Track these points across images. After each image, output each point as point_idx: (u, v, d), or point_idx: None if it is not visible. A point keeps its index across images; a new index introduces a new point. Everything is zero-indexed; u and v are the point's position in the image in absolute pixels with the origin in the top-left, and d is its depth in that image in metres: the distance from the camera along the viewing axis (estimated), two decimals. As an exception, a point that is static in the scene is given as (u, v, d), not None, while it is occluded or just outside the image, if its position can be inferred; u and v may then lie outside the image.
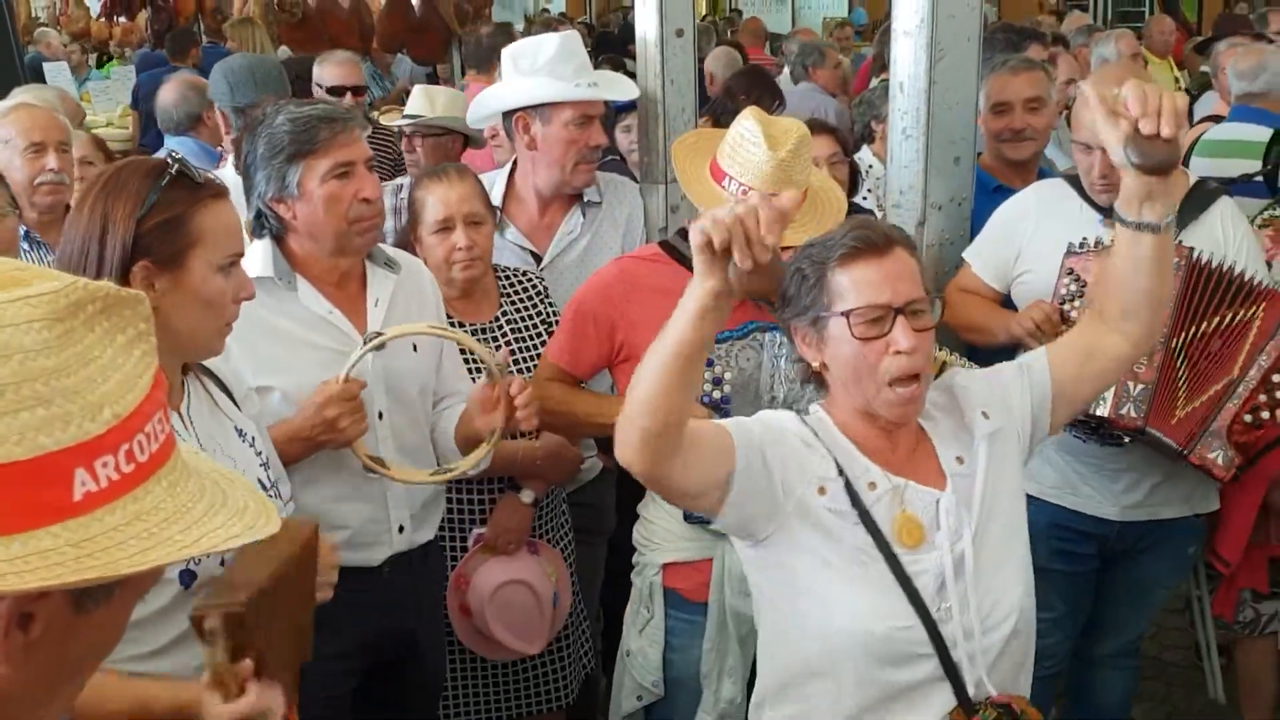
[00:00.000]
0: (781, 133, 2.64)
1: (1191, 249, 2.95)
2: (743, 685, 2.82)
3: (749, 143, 2.62)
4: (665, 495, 2.18)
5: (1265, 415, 2.92)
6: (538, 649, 3.24)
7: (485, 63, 7.09)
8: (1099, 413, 2.90)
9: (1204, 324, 2.94)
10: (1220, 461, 2.94)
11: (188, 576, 2.03)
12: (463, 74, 9.05)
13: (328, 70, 5.17)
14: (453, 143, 4.51)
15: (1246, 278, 2.96)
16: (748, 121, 2.66)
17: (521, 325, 3.28)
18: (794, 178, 2.61)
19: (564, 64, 3.52)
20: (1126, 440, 3.02)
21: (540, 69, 3.53)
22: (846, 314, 2.05)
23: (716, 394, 2.70)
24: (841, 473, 2.09)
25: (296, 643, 2.04)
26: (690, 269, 2.68)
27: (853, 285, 2.06)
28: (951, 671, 2.06)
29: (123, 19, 11.85)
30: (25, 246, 3.45)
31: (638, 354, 2.78)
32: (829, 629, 2.09)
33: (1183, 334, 2.92)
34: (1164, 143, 2.03)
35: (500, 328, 3.24)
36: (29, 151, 3.64)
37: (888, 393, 2.07)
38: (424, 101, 4.61)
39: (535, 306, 3.33)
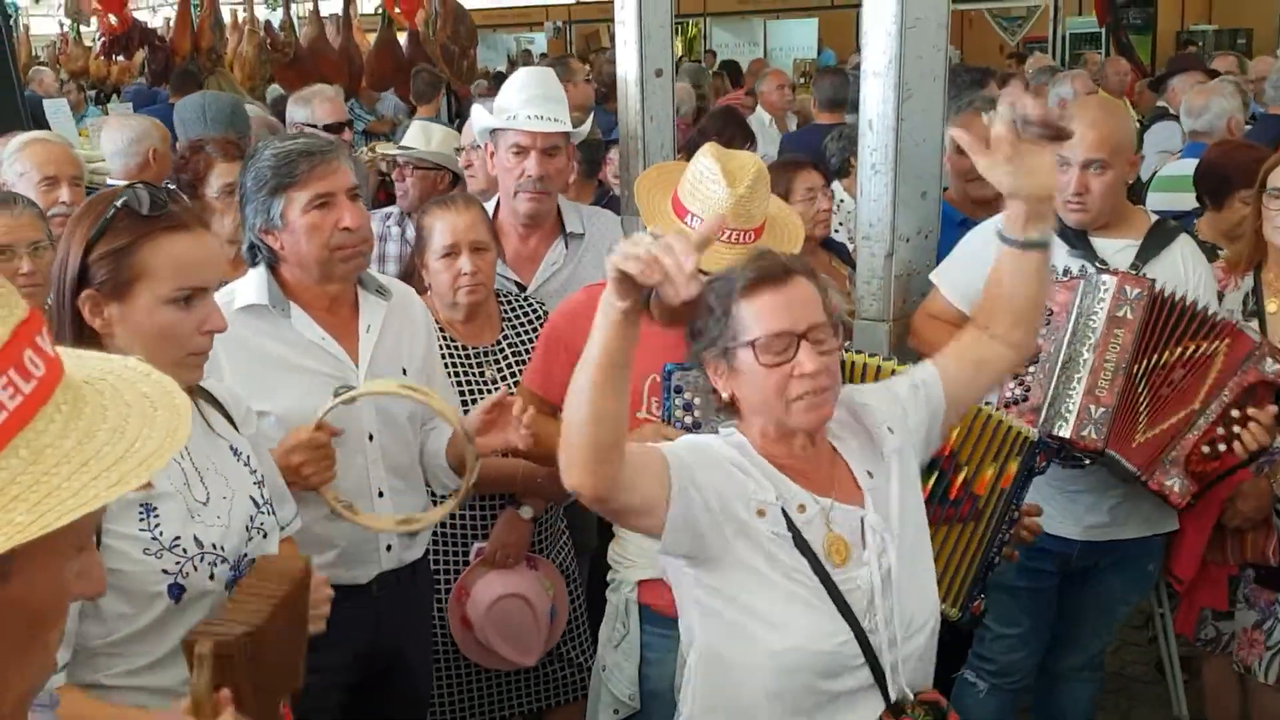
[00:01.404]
0: (739, 169, 2.65)
1: (1153, 280, 2.96)
2: None
3: (708, 180, 2.63)
4: (616, 516, 2.15)
5: (1222, 447, 2.93)
6: (533, 661, 3.24)
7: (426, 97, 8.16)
8: (1062, 434, 2.91)
9: (1165, 353, 2.95)
10: (1177, 489, 2.95)
11: (176, 590, 2.00)
12: (449, 112, 9.10)
13: (321, 109, 5.12)
14: (440, 178, 4.51)
15: (1209, 312, 2.98)
16: (706, 159, 2.67)
17: (522, 348, 3.27)
18: (752, 212, 2.63)
19: (518, 95, 3.53)
20: (1087, 462, 3.02)
21: (507, 100, 3.55)
22: (752, 343, 2.05)
23: (688, 419, 2.69)
24: (779, 497, 2.09)
25: (284, 675, 2.03)
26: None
27: (756, 315, 2.06)
28: (880, 678, 2.08)
29: (120, 58, 11.83)
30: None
31: None
32: (774, 648, 2.07)
33: (1144, 361, 2.93)
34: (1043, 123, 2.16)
35: (501, 350, 3.25)
36: (43, 184, 3.67)
37: (796, 405, 2.06)
38: (420, 136, 4.60)
39: (536, 330, 3.31)
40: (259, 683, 1.91)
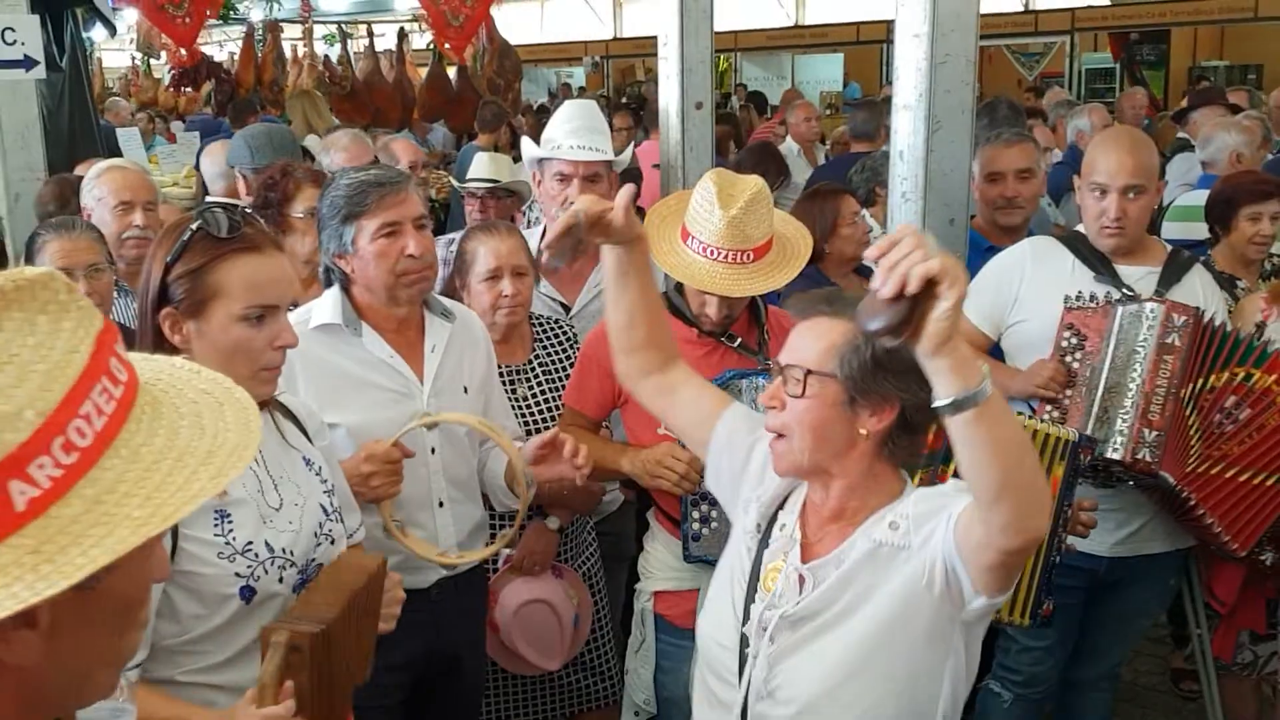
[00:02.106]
0: (737, 191, 2.66)
1: (1198, 308, 2.93)
2: None
3: (705, 203, 2.65)
4: (661, 412, 2.24)
5: None
6: (556, 666, 3.22)
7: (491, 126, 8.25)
8: (1115, 456, 2.87)
9: (1211, 377, 2.92)
10: (1270, 562, 2.95)
11: (248, 592, 2.01)
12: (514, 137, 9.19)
13: (337, 158, 5.09)
14: (514, 203, 4.58)
15: (1253, 339, 2.97)
16: (705, 183, 2.70)
17: (552, 368, 3.28)
18: (749, 233, 2.64)
19: (563, 126, 3.55)
20: (1129, 482, 2.99)
21: (553, 131, 3.57)
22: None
23: None
24: (782, 505, 2.07)
25: (351, 670, 2.03)
26: (686, 322, 2.80)
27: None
28: (743, 712, 1.99)
29: (189, 89, 11.97)
30: (116, 294, 3.50)
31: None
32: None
33: (1190, 385, 2.89)
34: (892, 302, 1.57)
35: (533, 369, 3.25)
36: (118, 209, 3.72)
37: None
38: (491, 166, 4.64)
39: (565, 352, 3.33)
40: (326, 678, 1.92)
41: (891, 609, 1.89)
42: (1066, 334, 2.99)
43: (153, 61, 13.39)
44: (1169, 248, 3.22)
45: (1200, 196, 4.76)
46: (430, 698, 2.88)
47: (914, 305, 1.57)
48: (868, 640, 1.90)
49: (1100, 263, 3.11)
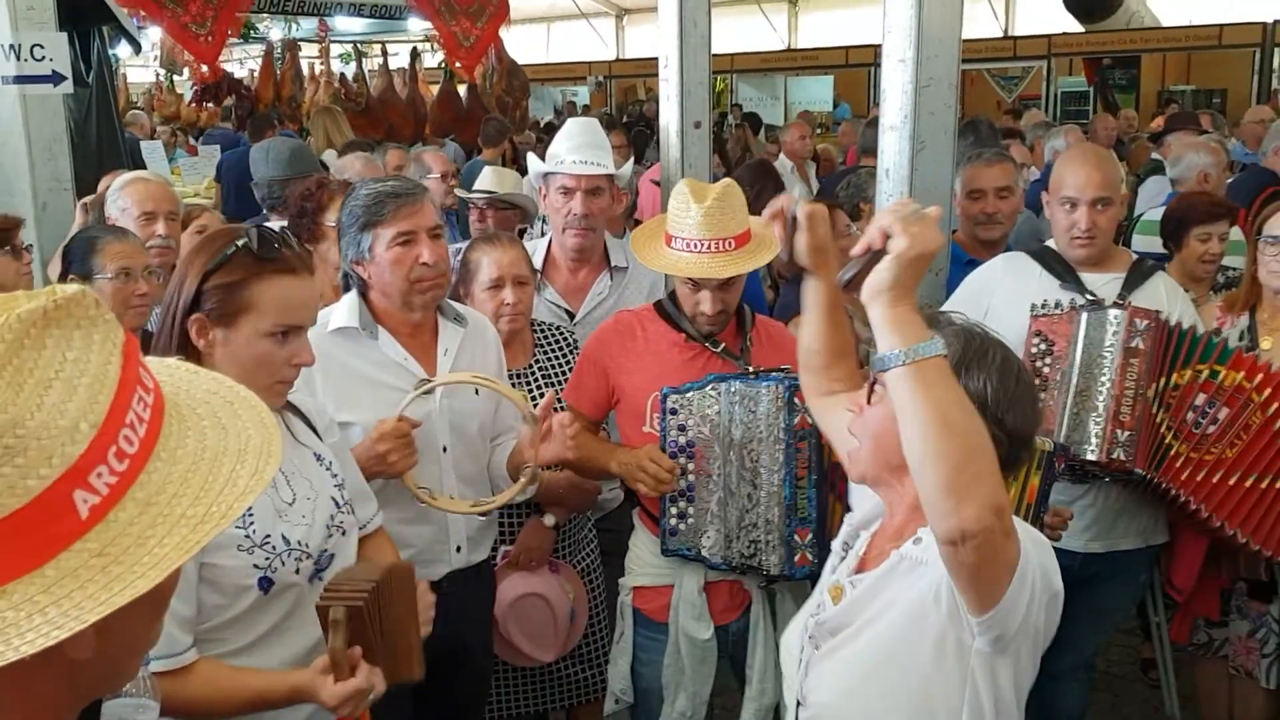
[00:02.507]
0: (707, 189, 2.72)
1: (1158, 312, 2.96)
2: (696, 702, 2.85)
3: (680, 203, 2.69)
4: (982, 567, 1.64)
5: None
6: (551, 658, 3.21)
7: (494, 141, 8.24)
8: (1091, 457, 2.89)
9: (1175, 375, 2.93)
10: None
11: (265, 583, 2.03)
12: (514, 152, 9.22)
13: (435, 159, 5.36)
14: (515, 215, 4.59)
15: (1211, 337, 2.98)
16: (678, 188, 2.74)
17: (552, 372, 3.29)
18: (725, 223, 2.67)
19: (566, 142, 3.56)
20: (1105, 478, 3.01)
21: (556, 147, 3.59)
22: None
23: (682, 439, 2.72)
24: (871, 524, 1.97)
25: (406, 634, 2.05)
26: (676, 328, 2.80)
27: None
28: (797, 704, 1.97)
29: (210, 105, 11.97)
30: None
31: (626, 398, 2.83)
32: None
33: (1155, 384, 2.91)
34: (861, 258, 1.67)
35: (534, 373, 3.26)
36: (142, 219, 3.71)
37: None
38: (495, 180, 4.66)
39: (565, 357, 3.33)
40: (386, 630, 1.95)
41: (903, 623, 1.79)
42: (1035, 340, 3.01)
43: (175, 78, 13.37)
44: (1134, 256, 3.24)
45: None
46: (440, 686, 2.88)
47: (875, 260, 1.62)
48: (880, 652, 1.83)
49: (1066, 272, 3.14)
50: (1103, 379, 2.90)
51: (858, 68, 17.72)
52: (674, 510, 2.76)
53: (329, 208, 3.49)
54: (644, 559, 2.90)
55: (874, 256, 1.63)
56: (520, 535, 3.20)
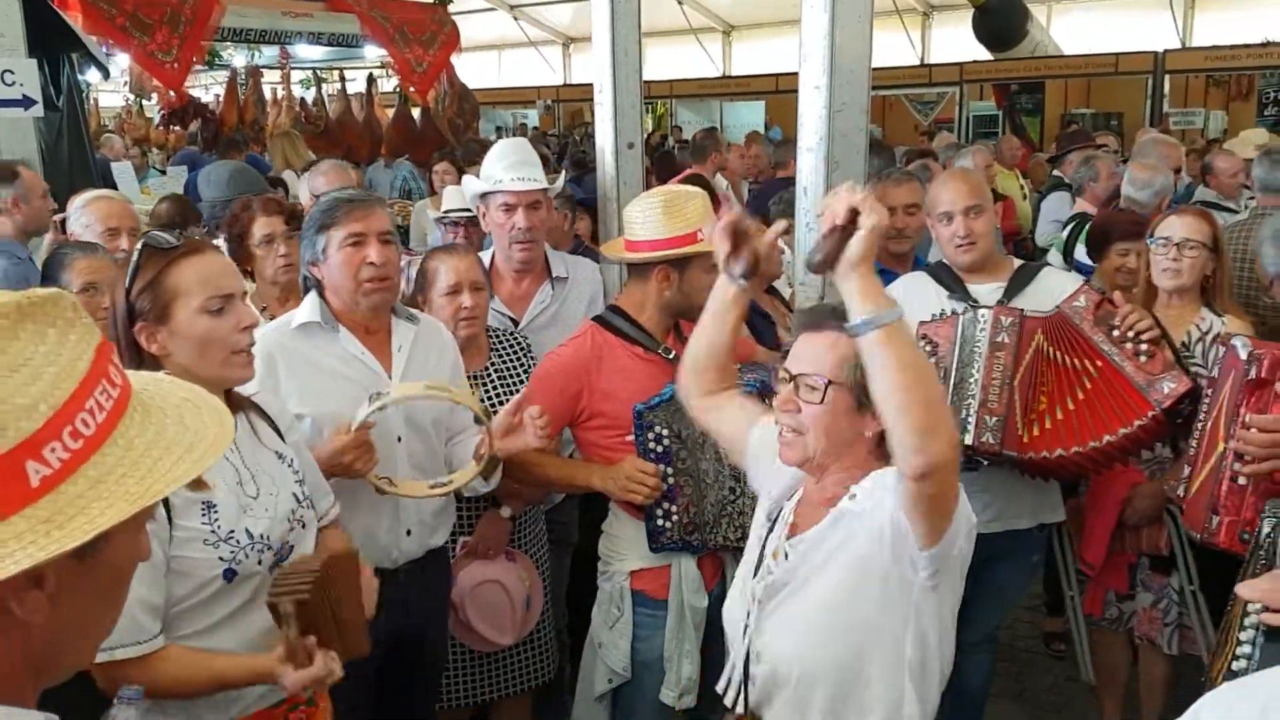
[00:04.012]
0: (660, 188, 2.84)
1: (1022, 309, 3.03)
2: (698, 666, 2.86)
3: (637, 206, 2.82)
4: (937, 499, 1.80)
5: (1144, 345, 2.89)
6: (508, 641, 3.22)
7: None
8: (967, 441, 2.95)
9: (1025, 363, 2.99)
10: (1173, 384, 2.82)
11: (230, 574, 2.04)
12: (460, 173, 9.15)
13: (320, 180, 5.14)
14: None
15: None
16: (631, 205, 2.90)
17: (508, 374, 3.30)
18: (683, 213, 2.74)
19: (500, 162, 3.57)
20: (985, 463, 3.07)
21: (491, 168, 3.59)
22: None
23: (658, 447, 2.76)
24: (790, 495, 2.13)
25: (351, 630, 2.07)
26: (631, 343, 2.84)
27: (791, 352, 2.07)
28: (744, 665, 2.10)
29: (177, 128, 11.81)
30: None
31: (608, 417, 2.84)
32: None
33: (1015, 373, 2.97)
34: (828, 237, 1.77)
35: (490, 375, 3.27)
36: (105, 235, 3.68)
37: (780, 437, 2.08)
38: (458, 198, 4.62)
39: (519, 360, 3.35)
40: (334, 615, 1.96)
41: (850, 571, 1.95)
42: (921, 344, 3.07)
43: (144, 102, 13.18)
44: (1016, 264, 3.30)
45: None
46: (397, 674, 2.88)
47: (843, 237, 1.72)
48: (829, 597, 1.97)
49: (955, 283, 3.22)
50: (974, 371, 2.98)
51: (787, 93, 17.77)
52: (659, 512, 2.80)
53: (251, 227, 3.50)
54: (637, 543, 2.88)
55: (840, 238, 1.73)
56: (478, 526, 3.22)
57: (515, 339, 3.41)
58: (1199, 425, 2.74)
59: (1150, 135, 6.89)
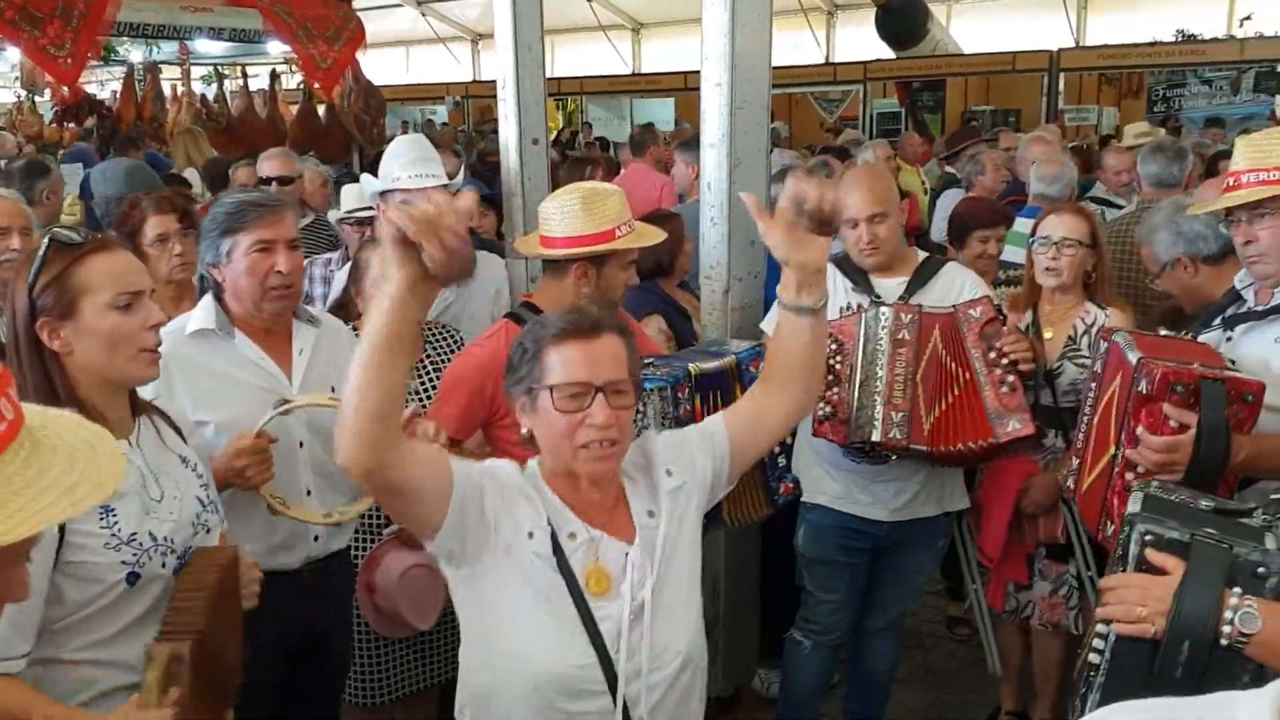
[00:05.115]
0: (578, 184, 2.81)
1: (920, 305, 3.09)
2: None
3: (553, 204, 2.80)
4: (384, 495, 1.82)
5: (1011, 379, 3.00)
6: (428, 625, 3.17)
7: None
8: (874, 438, 3.00)
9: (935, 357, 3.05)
10: (1018, 424, 2.96)
11: (133, 577, 1.99)
12: (360, 170, 9.01)
13: (265, 164, 5.34)
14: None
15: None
16: (545, 202, 2.87)
17: (442, 364, 3.25)
18: (602, 210, 2.73)
19: (398, 160, 3.53)
20: (893, 457, 3.13)
21: (389, 166, 3.55)
22: (551, 388, 1.90)
23: None
24: (550, 523, 1.93)
25: (228, 673, 2.04)
26: None
27: (560, 363, 1.90)
28: (623, 706, 1.90)
29: (72, 125, 11.43)
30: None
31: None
32: (517, 658, 1.89)
33: (917, 369, 3.03)
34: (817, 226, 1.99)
35: (425, 368, 3.22)
36: None
37: (583, 453, 1.91)
38: (357, 198, 4.54)
39: (452, 352, 3.30)
40: (206, 679, 1.91)
41: (691, 533, 2.06)
42: (827, 341, 3.12)
43: (37, 98, 12.73)
44: (921, 258, 3.35)
45: (1026, 224, 4.91)
46: (301, 675, 2.83)
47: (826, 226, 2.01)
48: (689, 565, 2.05)
49: (860, 277, 3.27)
50: (878, 369, 3.03)
51: (696, 91, 17.89)
52: None
53: (143, 226, 3.40)
54: None
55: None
56: None
57: (449, 332, 3.38)
58: (1084, 418, 2.83)
59: (1030, 135, 7.07)
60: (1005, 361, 2.99)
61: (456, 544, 1.89)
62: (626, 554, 1.95)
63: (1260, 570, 1.79)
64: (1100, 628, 1.88)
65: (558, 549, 1.92)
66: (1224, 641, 1.74)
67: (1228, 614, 1.74)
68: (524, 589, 1.90)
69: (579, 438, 1.90)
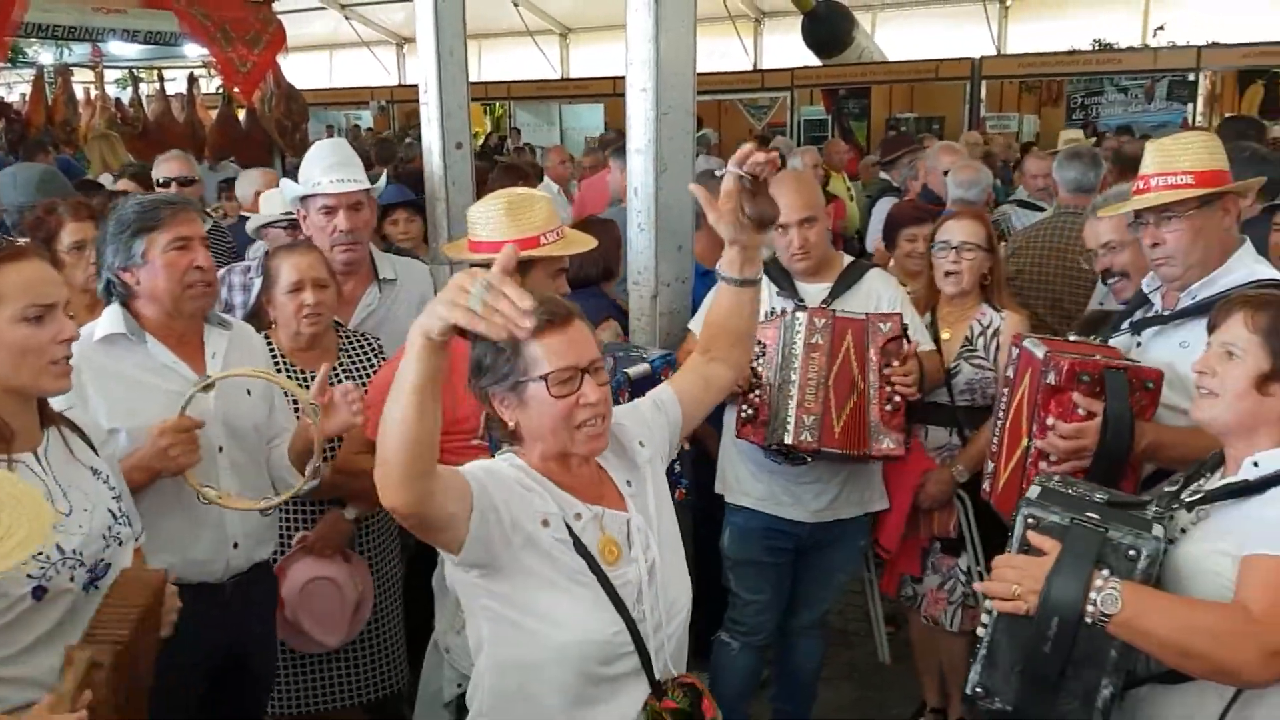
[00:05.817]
0: (505, 190, 2.84)
1: (833, 310, 3.17)
2: None
3: (480, 211, 2.80)
4: (423, 530, 1.86)
5: (896, 399, 3.10)
6: (335, 644, 3.17)
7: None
8: (787, 440, 3.07)
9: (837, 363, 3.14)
10: (891, 445, 3.11)
11: (39, 591, 1.94)
12: (282, 175, 8.90)
13: (165, 166, 5.21)
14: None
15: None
16: (474, 208, 2.87)
17: (357, 374, 3.23)
18: (528, 216, 2.75)
19: (319, 164, 3.51)
20: (809, 460, 3.20)
21: (309, 171, 3.53)
22: (544, 377, 1.95)
23: None
24: (559, 508, 2.00)
25: (144, 677, 2.02)
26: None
27: (546, 353, 1.96)
28: (646, 662, 2.01)
29: (-23, 128, 11.12)
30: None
31: (460, 421, 2.81)
32: (557, 641, 1.96)
33: (830, 373, 3.11)
34: (763, 200, 2.19)
35: (337, 375, 3.18)
36: None
37: (580, 432, 1.99)
38: (279, 204, 4.48)
39: (369, 360, 3.29)
40: (123, 691, 1.89)
41: (666, 495, 2.21)
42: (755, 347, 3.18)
43: (-59, 101, 12.37)
44: (847, 261, 3.43)
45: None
46: (222, 694, 2.80)
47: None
48: (671, 524, 2.19)
49: (785, 279, 3.34)
50: (793, 373, 3.10)
51: (623, 96, 17.97)
52: None
53: (59, 232, 3.35)
54: None
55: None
56: (319, 524, 3.15)
57: (367, 339, 3.36)
58: (998, 423, 2.92)
59: (940, 145, 7.24)
60: (891, 385, 3.10)
61: (484, 553, 1.92)
62: (629, 521, 2.07)
63: (1131, 553, 1.95)
64: (987, 603, 2.05)
65: (570, 530, 2.00)
66: (1088, 620, 1.91)
67: (1092, 595, 1.91)
68: (553, 574, 1.97)
69: (576, 417, 1.98)
